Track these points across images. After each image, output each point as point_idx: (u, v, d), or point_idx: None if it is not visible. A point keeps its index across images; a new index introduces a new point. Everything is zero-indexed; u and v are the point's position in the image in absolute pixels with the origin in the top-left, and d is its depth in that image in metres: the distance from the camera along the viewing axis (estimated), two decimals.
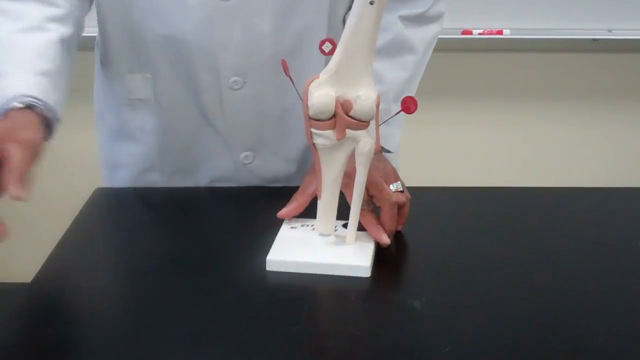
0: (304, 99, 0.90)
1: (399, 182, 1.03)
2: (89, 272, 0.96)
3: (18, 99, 0.91)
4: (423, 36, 1.16)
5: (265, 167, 1.21)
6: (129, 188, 1.23)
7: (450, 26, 2.15)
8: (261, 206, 1.10)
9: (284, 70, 0.92)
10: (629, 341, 0.81)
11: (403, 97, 0.90)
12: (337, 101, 0.90)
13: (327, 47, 0.92)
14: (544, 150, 2.37)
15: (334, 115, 0.90)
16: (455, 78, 2.27)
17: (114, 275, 0.97)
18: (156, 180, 1.22)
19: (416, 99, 0.90)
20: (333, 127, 0.91)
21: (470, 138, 2.36)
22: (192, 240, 1.02)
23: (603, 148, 2.37)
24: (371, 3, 0.87)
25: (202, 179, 1.22)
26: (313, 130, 0.91)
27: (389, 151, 1.13)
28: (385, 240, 0.98)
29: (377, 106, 0.91)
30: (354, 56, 0.89)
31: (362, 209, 0.97)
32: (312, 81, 0.90)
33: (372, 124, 0.92)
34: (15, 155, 0.85)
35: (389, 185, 1.01)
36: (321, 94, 0.89)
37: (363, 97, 0.90)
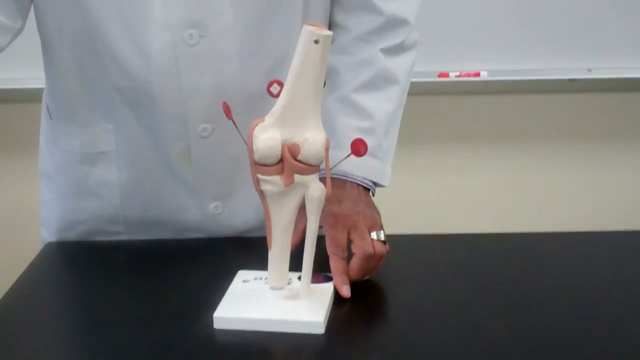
0: (248, 143, 0.85)
1: (382, 231, 1.01)
2: (31, 330, 0.90)
3: None
4: (403, 65, 1.13)
5: (236, 216, 1.15)
6: (85, 242, 1.17)
7: (426, 69, 2.12)
8: (226, 258, 1.06)
9: (226, 114, 0.87)
10: None
11: (353, 140, 0.86)
12: (283, 145, 0.85)
13: (274, 88, 0.88)
14: (522, 192, 2.32)
15: (281, 160, 0.85)
16: (432, 122, 2.24)
17: (56, 333, 0.91)
18: (119, 231, 1.16)
19: (366, 141, 0.85)
20: (280, 173, 0.86)
21: (448, 182, 2.31)
22: (144, 296, 0.97)
23: (584, 190, 2.32)
24: (316, 42, 0.83)
25: (168, 231, 1.16)
26: (259, 176, 0.86)
27: (382, 186, 1.10)
28: (346, 293, 0.95)
29: (326, 149, 0.86)
30: (300, 97, 0.85)
31: (335, 254, 0.96)
32: (256, 124, 0.85)
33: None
34: None
35: (370, 233, 0.99)
36: (266, 138, 0.84)
37: (311, 139, 0.85)
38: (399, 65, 1.12)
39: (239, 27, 1.03)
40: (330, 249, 0.98)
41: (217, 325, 0.88)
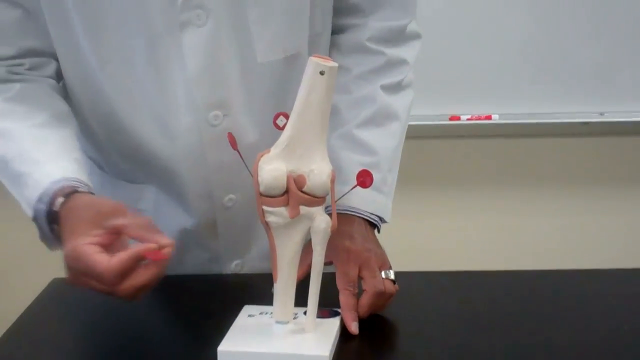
0: (254, 174, 0.85)
1: (391, 271, 1.00)
2: None
3: (64, 182, 0.92)
4: (403, 102, 1.14)
5: (255, 269, 1.15)
6: None
7: (438, 112, 2.13)
8: (233, 293, 1.05)
9: (231, 145, 0.87)
10: None
11: (358, 171, 0.86)
12: (289, 176, 0.85)
13: (281, 121, 0.88)
14: (535, 236, 2.30)
15: (287, 192, 0.85)
16: (443, 164, 2.23)
17: None
18: None
19: (372, 172, 0.85)
20: (286, 204, 0.85)
21: (460, 225, 2.30)
22: (149, 329, 0.97)
23: (598, 233, 2.30)
24: (321, 73, 0.84)
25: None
26: (265, 207, 0.86)
27: (385, 221, 1.09)
28: (355, 329, 0.94)
29: (332, 181, 0.86)
30: (306, 129, 0.85)
31: (346, 289, 0.95)
32: (262, 155, 0.85)
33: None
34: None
35: (381, 272, 0.98)
36: (272, 169, 0.84)
37: (317, 171, 0.85)
38: (400, 102, 1.13)
39: (257, 100, 1.05)
40: (341, 284, 0.97)
41: (221, 358, 0.86)
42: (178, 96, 1.02)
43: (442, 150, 2.21)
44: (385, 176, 1.08)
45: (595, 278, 1.14)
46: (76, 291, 1.10)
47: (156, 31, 0.99)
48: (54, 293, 1.09)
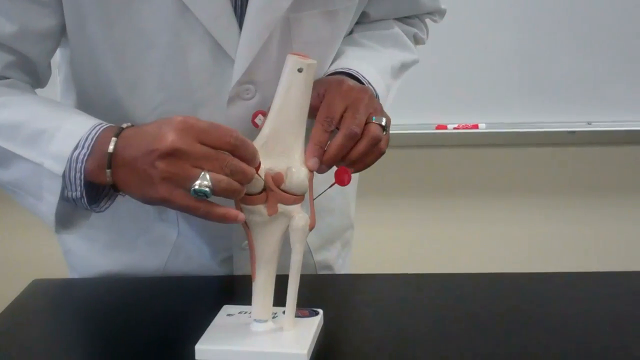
0: None
1: (383, 117, 0.91)
2: None
3: (106, 124, 0.85)
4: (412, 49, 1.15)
5: None
6: (71, 279, 1.16)
7: (424, 121, 2.13)
8: (218, 294, 1.04)
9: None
10: None
11: (337, 169, 0.86)
12: (267, 174, 0.85)
13: (259, 120, 0.88)
14: (521, 244, 2.30)
15: (264, 189, 0.85)
16: (429, 174, 2.23)
17: None
18: None
19: (350, 170, 0.85)
20: (264, 202, 0.85)
21: (445, 234, 2.30)
22: (128, 328, 0.96)
23: (583, 242, 2.31)
24: (299, 70, 0.84)
25: None
26: (243, 205, 0.85)
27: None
28: (313, 165, 0.86)
29: (310, 180, 0.86)
30: (284, 127, 0.85)
31: (320, 123, 0.88)
32: None
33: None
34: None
35: (371, 118, 0.90)
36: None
37: (295, 169, 0.85)
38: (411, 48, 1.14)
39: None
40: (319, 116, 0.89)
41: (198, 356, 0.86)
42: None
43: (428, 159, 2.21)
44: (390, 82, 1.05)
45: (581, 280, 1.13)
46: (56, 292, 1.11)
47: (200, 100, 0.95)
48: (34, 294, 1.08)
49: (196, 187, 0.78)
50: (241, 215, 0.81)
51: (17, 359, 0.91)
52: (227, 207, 0.81)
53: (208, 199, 0.80)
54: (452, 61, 2.11)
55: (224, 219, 0.81)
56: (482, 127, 2.14)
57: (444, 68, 2.10)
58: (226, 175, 0.79)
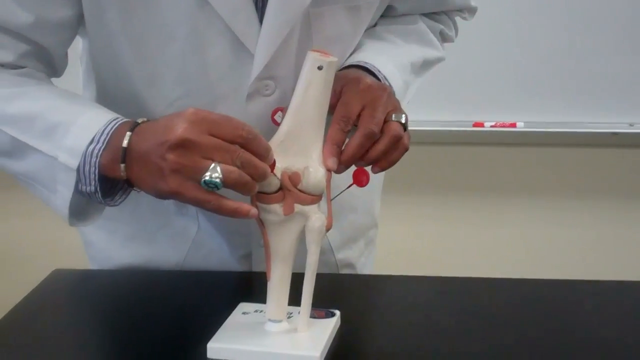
0: None
1: (403, 114, 0.89)
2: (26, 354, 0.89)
3: (121, 119, 0.85)
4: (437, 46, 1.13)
5: None
6: (90, 270, 1.16)
7: (461, 118, 2.10)
8: (238, 291, 1.03)
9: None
10: None
11: (355, 170, 0.84)
12: (284, 173, 0.83)
13: (279, 116, 0.87)
14: (559, 248, 2.26)
15: (281, 189, 0.83)
16: (465, 172, 2.20)
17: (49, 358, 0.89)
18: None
19: (368, 171, 0.83)
20: (280, 201, 0.84)
21: (481, 232, 2.27)
22: (142, 323, 0.96)
23: (623, 247, 2.25)
24: (319, 68, 0.82)
25: None
26: (259, 204, 0.84)
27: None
28: (331, 165, 0.85)
29: (328, 180, 0.84)
30: (302, 125, 0.84)
31: (337, 123, 0.86)
32: None
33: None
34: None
35: (390, 116, 0.88)
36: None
37: (312, 169, 0.83)
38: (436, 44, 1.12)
39: None
40: (336, 115, 0.87)
41: (210, 355, 0.85)
42: None
43: (463, 157, 2.18)
44: (410, 79, 1.03)
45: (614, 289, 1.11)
46: (75, 282, 1.11)
47: (219, 95, 0.94)
48: (54, 283, 1.09)
49: (206, 178, 0.77)
50: (253, 210, 0.80)
51: (32, 347, 0.91)
52: (240, 202, 0.80)
53: (219, 193, 0.79)
54: (492, 59, 2.07)
55: (235, 214, 0.79)
56: (520, 126, 2.10)
57: (484, 65, 2.06)
58: (237, 167, 0.78)
